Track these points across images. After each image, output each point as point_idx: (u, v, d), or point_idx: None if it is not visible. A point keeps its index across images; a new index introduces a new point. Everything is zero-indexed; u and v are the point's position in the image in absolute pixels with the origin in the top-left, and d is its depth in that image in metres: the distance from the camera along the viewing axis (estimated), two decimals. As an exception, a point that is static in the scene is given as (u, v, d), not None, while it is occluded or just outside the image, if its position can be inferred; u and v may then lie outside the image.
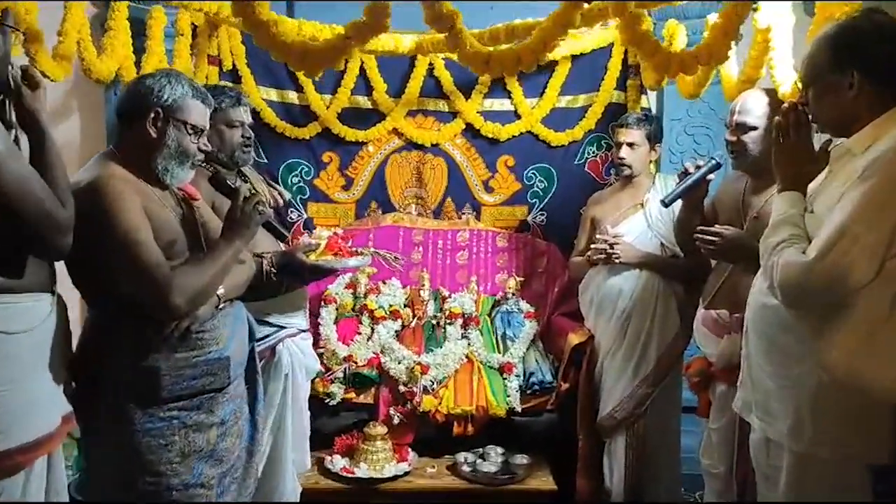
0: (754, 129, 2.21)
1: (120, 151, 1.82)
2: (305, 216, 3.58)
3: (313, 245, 2.31)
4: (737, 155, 2.27)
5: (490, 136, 3.54)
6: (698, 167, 2.36)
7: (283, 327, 2.43)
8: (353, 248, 2.48)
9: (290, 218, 3.57)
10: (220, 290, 1.86)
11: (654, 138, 2.83)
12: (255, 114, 3.36)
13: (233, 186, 2.02)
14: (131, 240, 1.67)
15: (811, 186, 1.75)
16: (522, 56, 2.00)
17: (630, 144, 2.81)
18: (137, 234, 1.68)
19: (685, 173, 2.37)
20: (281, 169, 3.54)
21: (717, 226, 2.28)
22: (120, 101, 1.86)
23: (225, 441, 1.89)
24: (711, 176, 2.38)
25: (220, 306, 1.88)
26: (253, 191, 2.46)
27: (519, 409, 2.89)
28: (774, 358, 1.71)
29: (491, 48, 2.12)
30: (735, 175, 2.43)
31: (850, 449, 1.60)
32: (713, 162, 2.36)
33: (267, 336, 2.37)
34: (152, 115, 1.79)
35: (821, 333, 1.60)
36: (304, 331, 2.54)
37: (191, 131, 1.83)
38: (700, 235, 2.24)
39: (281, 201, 2.70)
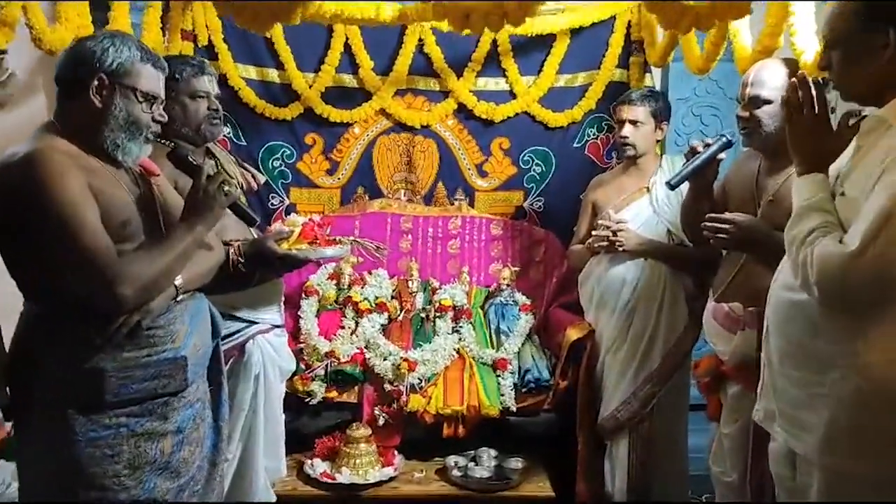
0: (769, 102, 2.04)
1: (61, 124, 1.62)
2: (287, 202, 3.43)
3: (286, 233, 2.15)
4: (749, 132, 2.09)
5: (484, 116, 3.39)
6: (707, 146, 2.17)
7: (253, 322, 2.25)
8: (331, 237, 2.30)
9: (272, 204, 3.42)
10: (178, 281, 1.66)
11: (660, 116, 2.67)
12: (234, 93, 3.26)
13: (194, 163, 1.81)
14: (70, 219, 1.47)
15: (835, 166, 1.57)
16: (509, 10, 1.78)
17: (633, 122, 2.64)
18: (77, 213, 1.48)
19: (693, 152, 2.19)
20: (261, 152, 3.38)
21: (728, 212, 2.11)
22: (58, 66, 1.64)
23: (182, 451, 1.69)
24: (722, 155, 2.20)
25: (178, 299, 1.67)
26: (217, 168, 2.26)
27: (514, 408, 2.76)
28: (802, 362, 1.53)
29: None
30: (747, 155, 2.27)
31: (891, 464, 1.41)
32: (724, 140, 2.18)
33: (235, 332, 2.19)
34: (96, 82, 1.58)
35: (858, 334, 1.42)
36: (277, 326, 2.36)
37: (141, 99, 1.63)
38: (710, 224, 2.06)
39: (254, 184, 2.50)
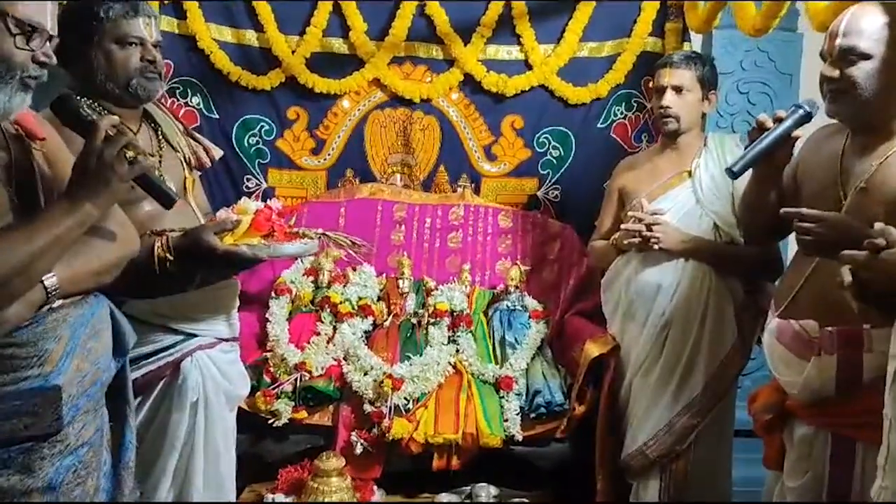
0: (867, 58, 1.63)
1: None
2: (265, 185, 3.18)
3: (231, 222, 1.76)
4: (837, 98, 1.70)
5: (494, 90, 3.15)
6: (779, 120, 1.77)
7: (191, 335, 1.85)
8: (296, 229, 1.93)
9: (247, 187, 3.16)
10: (51, 280, 1.24)
11: (708, 83, 2.37)
12: (205, 58, 3.09)
13: (87, 118, 1.40)
14: None
15: None
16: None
17: (677, 89, 2.33)
18: None
19: (760, 129, 1.80)
20: (235, 127, 3.14)
21: (803, 205, 1.72)
22: None
23: None
24: (799, 132, 1.80)
25: (52, 306, 1.26)
26: (152, 143, 1.88)
27: (519, 437, 2.48)
28: None
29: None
30: (829, 131, 1.89)
31: None
32: (801, 111, 1.77)
33: (167, 348, 1.80)
34: None
35: None
36: (226, 340, 1.96)
37: (15, 29, 1.24)
38: (800, 223, 1.65)
39: (206, 159, 2.10)
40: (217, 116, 3.08)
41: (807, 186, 1.87)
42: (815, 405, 1.74)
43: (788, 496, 1.81)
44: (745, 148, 1.79)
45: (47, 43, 1.29)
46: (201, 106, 3.04)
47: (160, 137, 1.94)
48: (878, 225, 1.33)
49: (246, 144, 3.12)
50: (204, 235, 1.68)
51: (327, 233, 1.96)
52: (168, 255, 1.66)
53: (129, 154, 1.31)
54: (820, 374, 1.70)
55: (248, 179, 3.12)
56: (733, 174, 1.78)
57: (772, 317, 1.87)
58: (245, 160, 3.08)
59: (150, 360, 1.73)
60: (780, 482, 1.87)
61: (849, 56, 1.64)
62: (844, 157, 1.78)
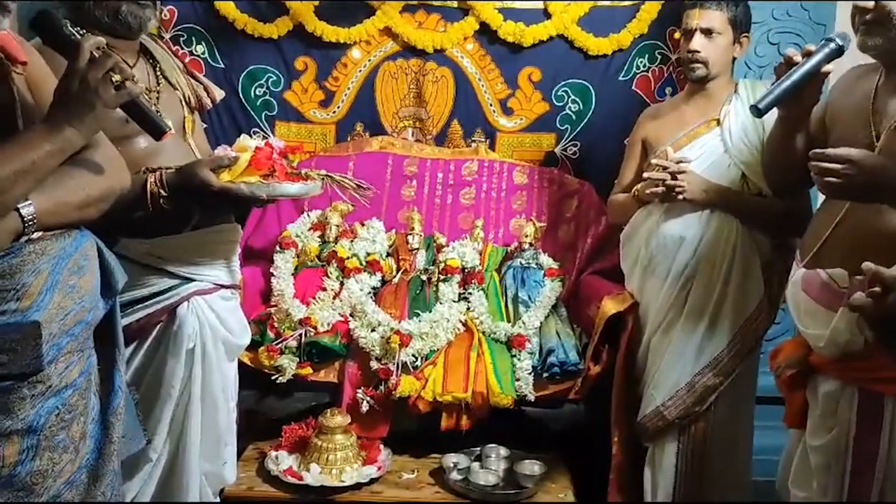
0: None
1: None
2: (273, 139, 2.98)
3: (228, 159, 1.68)
4: (871, 30, 1.61)
5: (511, 40, 3.04)
6: (808, 54, 1.67)
7: (188, 279, 1.80)
8: (297, 170, 1.84)
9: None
10: (28, 209, 1.16)
11: (741, 26, 2.26)
12: (209, 5, 2.98)
13: (71, 37, 1.31)
14: None
15: None
16: None
17: (707, 31, 2.22)
18: None
19: (789, 65, 1.69)
20: (241, 77, 3.03)
21: (836, 148, 1.61)
22: None
23: (37, 459, 1.20)
24: (829, 67, 1.69)
25: (30, 237, 1.18)
26: (149, 79, 1.82)
27: (531, 397, 2.42)
28: None
29: None
30: (861, 70, 1.80)
31: None
32: (832, 45, 1.67)
33: (163, 292, 1.74)
34: None
35: None
36: (226, 287, 1.91)
37: None
38: (817, 163, 1.57)
39: (207, 100, 2.05)
40: (222, 66, 2.98)
41: (836, 130, 1.77)
42: (842, 359, 1.66)
43: (812, 455, 1.74)
44: (772, 84, 1.70)
45: None
46: (206, 55, 2.95)
47: (158, 74, 1.88)
48: (866, 265, 1.26)
49: (252, 96, 3.02)
50: (199, 171, 1.62)
51: (331, 174, 1.88)
52: (161, 190, 1.61)
53: (116, 78, 1.23)
54: (848, 325, 1.61)
55: (254, 132, 3.02)
56: (758, 111, 1.69)
57: (797, 267, 1.79)
58: (252, 112, 3.00)
59: (144, 304, 1.68)
60: (802, 442, 1.80)
61: None
62: (878, 96, 1.69)
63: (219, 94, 2.12)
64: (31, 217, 1.15)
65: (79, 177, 1.25)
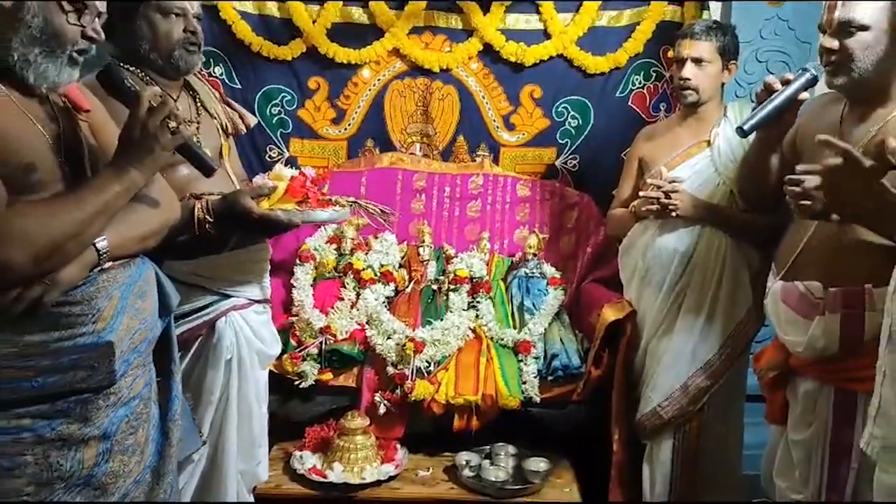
0: (864, 29, 1.68)
1: None
2: (287, 155, 3.16)
3: (267, 188, 1.81)
4: (836, 68, 1.73)
5: (513, 60, 3.12)
6: (787, 82, 1.81)
7: (226, 296, 1.93)
8: (328, 196, 1.97)
9: (269, 157, 3.15)
10: (102, 243, 1.31)
11: (728, 53, 2.34)
12: (227, 28, 3.04)
13: (132, 90, 1.45)
14: None
15: None
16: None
17: (697, 60, 2.32)
18: None
19: (768, 91, 1.83)
20: (257, 97, 3.12)
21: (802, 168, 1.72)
22: None
23: (111, 462, 1.36)
24: (805, 95, 1.83)
25: (103, 267, 1.32)
26: (190, 110, 1.94)
27: (537, 399, 2.52)
28: None
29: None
30: (826, 98, 1.94)
31: None
32: (808, 75, 1.80)
33: (204, 308, 1.87)
34: None
35: None
36: (258, 302, 2.04)
37: (67, 6, 1.29)
38: (793, 187, 1.68)
39: (242, 126, 2.16)
40: (239, 86, 3.05)
41: (807, 153, 1.89)
42: (819, 362, 1.79)
43: (793, 449, 1.88)
44: (753, 109, 1.83)
45: (96, 19, 1.34)
46: (224, 76, 3.03)
47: (198, 105, 2.01)
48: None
49: (268, 114, 3.10)
50: (241, 199, 1.75)
51: (358, 201, 2.02)
52: (207, 217, 1.73)
53: (172, 124, 1.36)
54: (824, 332, 1.74)
55: (270, 149, 3.12)
56: (743, 132, 1.82)
57: (774, 279, 1.91)
58: (267, 130, 3.07)
59: (187, 319, 1.81)
60: (784, 437, 1.92)
61: (847, 28, 1.68)
62: (843, 123, 1.82)
63: (252, 120, 2.24)
64: (104, 250, 1.30)
65: (140, 212, 1.40)
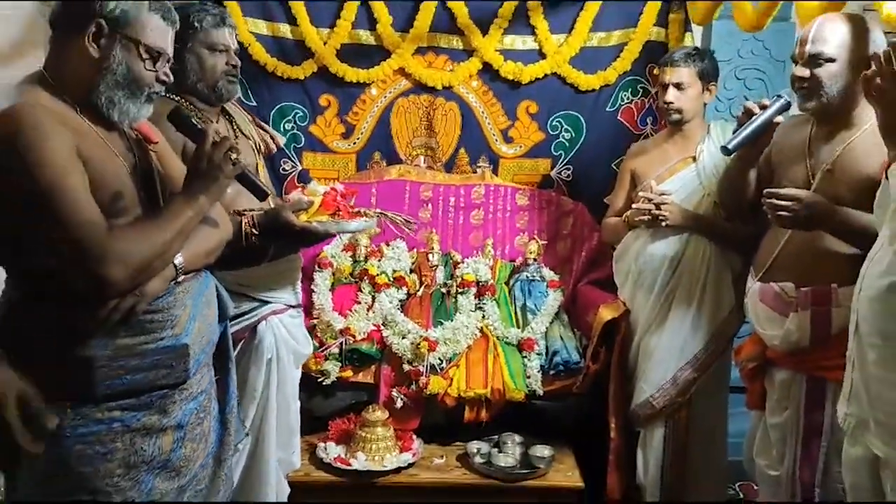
0: (831, 61, 1.89)
1: (52, 75, 1.44)
2: (300, 168, 3.29)
3: (305, 203, 1.97)
4: (807, 94, 1.94)
5: (510, 77, 3.23)
6: (763, 107, 2.01)
7: (266, 302, 2.11)
8: (356, 208, 2.12)
9: (283, 169, 3.29)
10: (178, 260, 1.49)
11: (708, 76, 2.50)
12: (243, 49, 3.08)
13: (198, 127, 1.63)
14: (55, 187, 1.31)
15: None
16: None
17: (678, 85, 2.47)
18: (63, 181, 1.32)
19: (748, 115, 2.02)
20: (272, 113, 3.23)
21: (775, 185, 2.00)
22: (54, 8, 1.47)
23: (183, 448, 1.54)
24: (779, 118, 2.03)
25: (179, 280, 1.51)
26: (229, 133, 2.11)
27: (540, 392, 2.64)
28: None
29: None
30: (797, 120, 2.13)
31: None
32: (782, 100, 2.01)
33: (246, 313, 2.05)
34: (94, 28, 1.41)
35: None
36: (293, 307, 2.21)
37: (145, 55, 1.46)
38: (771, 200, 1.89)
39: (273, 146, 2.34)
40: (255, 104, 3.14)
41: (780, 169, 2.09)
42: (793, 353, 1.98)
43: (771, 431, 2.07)
44: (734, 131, 2.02)
45: (165, 64, 1.53)
46: (240, 95, 3.00)
47: (235, 128, 2.17)
48: (790, 190, 1.73)
49: (282, 130, 3.17)
50: (283, 213, 1.89)
51: (385, 212, 2.20)
52: (253, 230, 1.86)
53: (233, 156, 1.55)
54: (797, 327, 1.94)
55: (284, 162, 3.22)
56: (728, 151, 2.02)
57: (752, 281, 2.10)
58: (284, 140, 3.11)
59: (232, 323, 1.94)
60: (763, 421, 2.11)
61: (816, 60, 1.88)
62: (812, 143, 2.01)
63: (281, 140, 2.42)
64: (180, 265, 1.48)
65: (204, 231, 1.57)
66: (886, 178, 1.51)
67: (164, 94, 1.95)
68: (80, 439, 1.41)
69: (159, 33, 1.48)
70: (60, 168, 1.32)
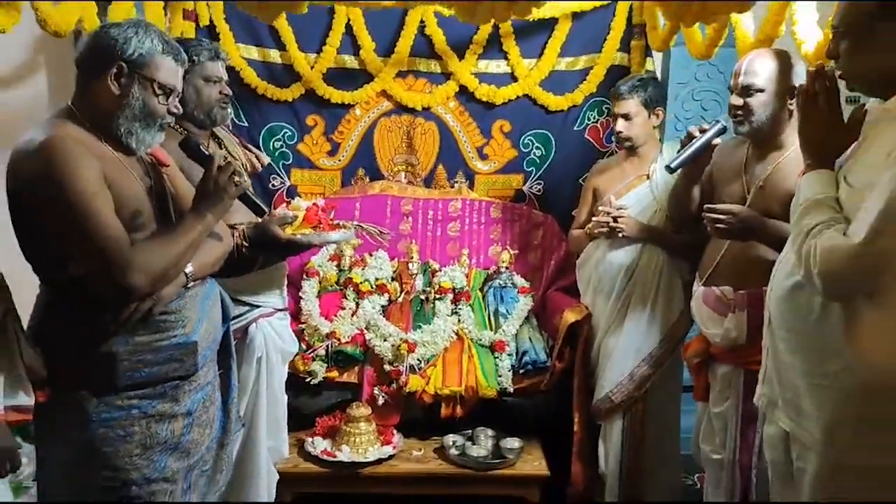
0: (761, 91, 2.11)
1: (78, 109, 1.65)
2: (288, 183, 3.45)
3: (290, 217, 2.16)
4: (741, 120, 2.16)
5: (485, 99, 3.40)
6: (703, 131, 2.24)
7: (256, 306, 2.29)
8: (336, 221, 2.32)
9: (272, 185, 3.44)
10: (189, 269, 1.70)
11: (653, 102, 2.67)
12: (235, 74, 3.25)
13: (206, 153, 1.84)
14: (85, 208, 1.52)
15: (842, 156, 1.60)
16: (515, 4, 1.80)
17: (625, 116, 2.67)
18: (93, 203, 1.53)
19: (690, 138, 2.26)
20: (262, 133, 3.39)
21: (715, 198, 2.22)
22: (80, 51, 1.68)
23: (192, 433, 1.75)
24: (717, 140, 2.26)
25: (189, 286, 1.72)
26: (228, 158, 2.30)
27: (511, 389, 2.80)
28: (805, 353, 1.57)
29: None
30: (735, 142, 2.34)
31: (890, 456, 1.45)
32: (719, 125, 2.25)
33: (239, 316, 2.21)
34: (115, 69, 1.62)
35: (859, 327, 1.44)
36: (280, 310, 2.40)
37: (159, 91, 1.66)
38: (709, 214, 2.12)
39: (259, 165, 2.53)
40: (246, 124, 3.31)
41: (720, 185, 2.31)
42: (732, 349, 2.17)
43: (714, 419, 2.26)
44: (678, 151, 2.25)
45: (175, 98, 1.74)
46: (232, 116, 3.13)
47: (223, 149, 2.37)
48: (726, 205, 1.94)
49: (271, 148, 3.34)
50: (270, 227, 2.07)
51: (361, 224, 2.42)
52: (244, 242, 2.05)
53: (236, 179, 1.76)
54: (735, 326, 2.13)
55: (273, 178, 3.36)
56: (671, 170, 2.25)
57: (697, 285, 2.31)
58: (271, 162, 3.21)
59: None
60: (707, 411, 2.31)
61: (748, 90, 2.11)
62: (747, 163, 2.23)
63: (266, 159, 2.61)
64: (191, 274, 1.69)
65: (210, 244, 1.77)
66: None
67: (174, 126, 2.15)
68: (103, 424, 1.61)
69: (171, 72, 1.68)
70: (89, 192, 1.52)
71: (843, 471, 1.50)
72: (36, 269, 1.66)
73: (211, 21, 3.24)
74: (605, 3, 3.28)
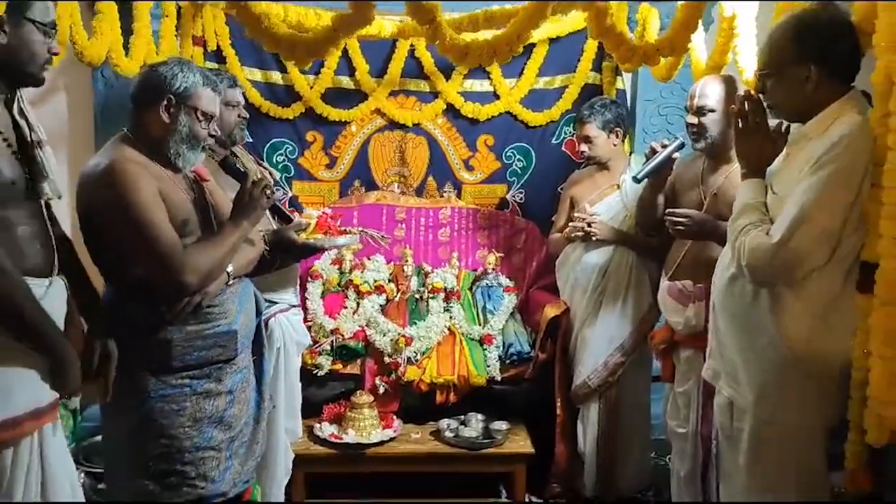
0: (713, 111, 2.36)
1: (134, 135, 1.90)
2: (290, 194, 3.61)
3: (304, 224, 2.38)
4: (697, 136, 2.40)
5: (470, 116, 3.60)
6: (664, 146, 2.47)
7: (274, 302, 2.53)
8: (342, 227, 2.55)
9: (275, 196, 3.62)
10: (229, 269, 1.95)
11: (611, 124, 2.89)
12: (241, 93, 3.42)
13: (242, 170, 2.11)
14: (147, 222, 1.76)
15: (770, 167, 1.88)
16: (497, 48, 2.11)
17: (586, 139, 2.89)
18: (152, 216, 1.77)
19: (653, 152, 2.48)
20: (266, 148, 3.59)
21: (677, 205, 2.44)
22: (134, 87, 1.93)
23: (233, 408, 2.00)
24: (677, 155, 2.49)
25: (229, 283, 1.97)
26: (261, 174, 2.56)
27: (498, 378, 3.00)
28: (740, 332, 1.83)
29: (469, 39, 2.20)
30: (693, 156, 2.58)
31: (809, 415, 1.75)
32: (678, 141, 2.49)
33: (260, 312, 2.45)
34: (165, 101, 1.87)
35: (782, 310, 1.72)
36: (294, 306, 2.65)
37: (201, 117, 1.91)
38: (670, 217, 2.37)
39: (270, 179, 2.76)
40: (251, 140, 3.40)
41: (681, 194, 2.57)
42: (693, 336, 2.38)
43: (678, 398, 2.50)
44: (643, 164, 2.49)
45: (214, 123, 2.02)
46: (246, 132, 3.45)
47: (240, 165, 2.64)
48: (684, 210, 2.18)
49: (274, 162, 3.54)
50: (287, 233, 2.29)
51: (365, 230, 2.69)
52: (266, 247, 2.24)
53: (268, 192, 2.03)
54: (695, 315, 2.36)
55: (277, 189, 3.40)
56: (637, 180, 2.49)
57: (663, 280, 2.55)
58: (278, 175, 3.41)
59: None
60: (672, 391, 2.54)
61: (702, 110, 2.37)
62: (704, 173, 2.49)
63: (276, 175, 2.90)
64: (232, 273, 1.96)
65: (246, 248, 2.03)
66: None
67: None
68: (160, 399, 1.88)
69: (210, 101, 1.95)
70: (148, 206, 1.78)
71: (771, 428, 1.78)
72: (103, 271, 1.92)
73: (218, 46, 3.46)
74: (579, 29, 3.52)
